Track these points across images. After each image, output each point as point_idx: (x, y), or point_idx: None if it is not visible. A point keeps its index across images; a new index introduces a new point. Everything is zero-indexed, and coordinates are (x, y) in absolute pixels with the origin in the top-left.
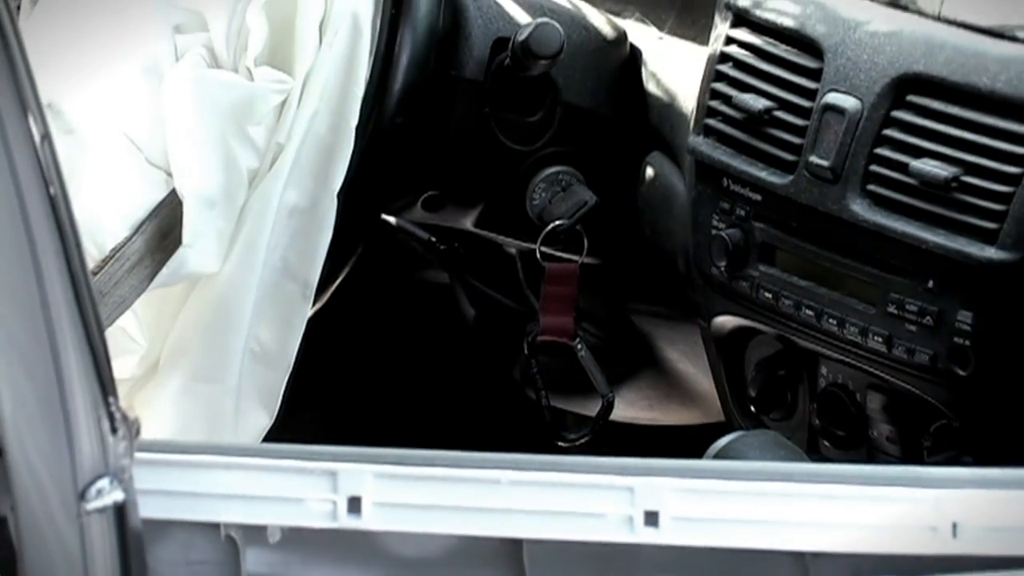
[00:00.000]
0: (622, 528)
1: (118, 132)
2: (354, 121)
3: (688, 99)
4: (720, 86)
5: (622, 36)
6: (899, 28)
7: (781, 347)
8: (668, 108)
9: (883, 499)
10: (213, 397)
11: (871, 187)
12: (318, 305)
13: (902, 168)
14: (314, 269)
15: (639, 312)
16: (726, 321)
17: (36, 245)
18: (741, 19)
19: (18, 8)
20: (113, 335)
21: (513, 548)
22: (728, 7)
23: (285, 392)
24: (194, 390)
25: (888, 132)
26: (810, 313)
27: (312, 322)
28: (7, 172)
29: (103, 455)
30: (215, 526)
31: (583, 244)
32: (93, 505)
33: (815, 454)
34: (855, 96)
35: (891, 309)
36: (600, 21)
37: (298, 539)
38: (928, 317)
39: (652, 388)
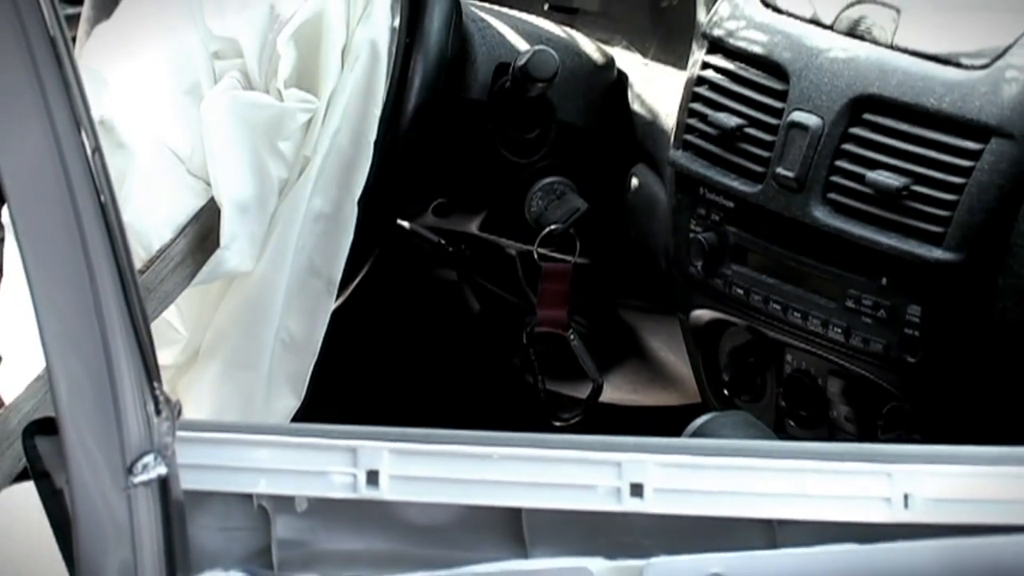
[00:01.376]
0: (610, 499)
1: (163, 146)
2: (372, 137)
3: (669, 117)
4: (697, 106)
5: (610, 61)
6: (856, 54)
7: (751, 337)
8: (651, 125)
9: (842, 473)
10: (247, 382)
11: (831, 195)
12: (340, 300)
13: (859, 178)
14: (337, 268)
15: (625, 306)
16: (702, 314)
17: (88, 247)
18: (716, 47)
19: (74, 39)
20: (158, 326)
21: (513, 516)
22: (704, 36)
23: (311, 377)
24: (230, 375)
25: (846, 146)
26: (777, 307)
27: (335, 315)
28: (62, 181)
29: (148, 434)
30: (248, 497)
31: (575, 246)
32: (139, 479)
33: (781, 432)
34: (817, 114)
35: (849, 304)
36: (591, 48)
37: (323, 508)
38: (882, 311)
39: (637, 373)
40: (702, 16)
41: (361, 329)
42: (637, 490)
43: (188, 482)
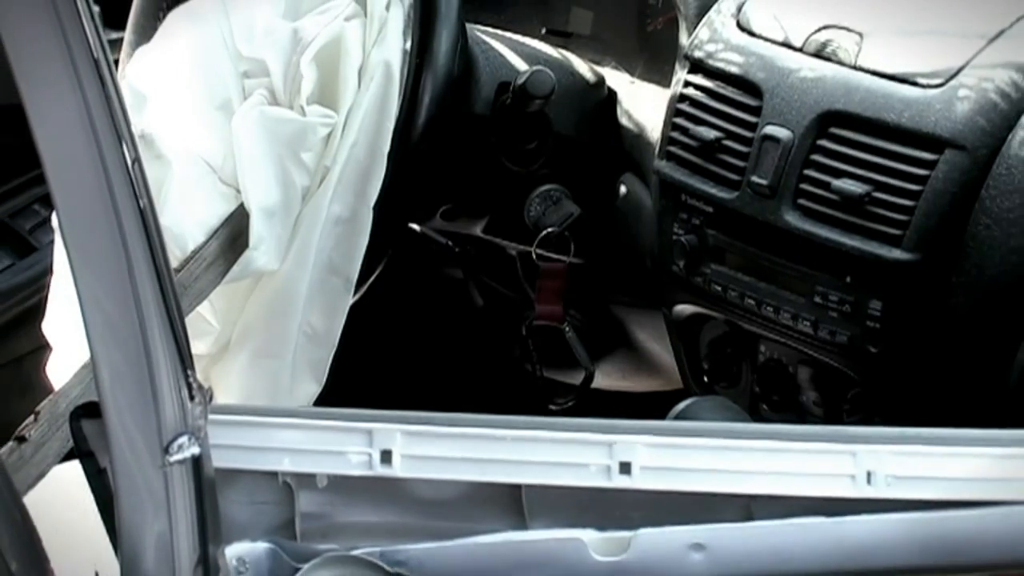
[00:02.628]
0: (601, 476)
1: (197, 156)
2: (386, 148)
3: (654, 130)
4: (679, 120)
5: (601, 80)
6: (823, 74)
7: (728, 330)
8: (638, 137)
9: (811, 452)
10: (273, 370)
11: (801, 201)
12: (357, 296)
13: (826, 186)
14: (354, 267)
15: (615, 301)
16: (684, 309)
17: (129, 248)
18: (697, 67)
19: (117, 61)
20: (192, 320)
21: (514, 492)
22: (686, 57)
23: (331, 365)
24: (258, 364)
25: (814, 157)
26: (752, 302)
27: (353, 310)
28: (105, 188)
29: (183, 417)
30: (274, 474)
31: (570, 247)
32: (175, 458)
33: (756, 415)
34: (788, 128)
35: (817, 299)
36: (583, 68)
37: (341, 485)
38: (847, 305)
39: (625, 362)
40: (684, 39)
41: (376, 322)
42: (626, 468)
43: (219, 461)
